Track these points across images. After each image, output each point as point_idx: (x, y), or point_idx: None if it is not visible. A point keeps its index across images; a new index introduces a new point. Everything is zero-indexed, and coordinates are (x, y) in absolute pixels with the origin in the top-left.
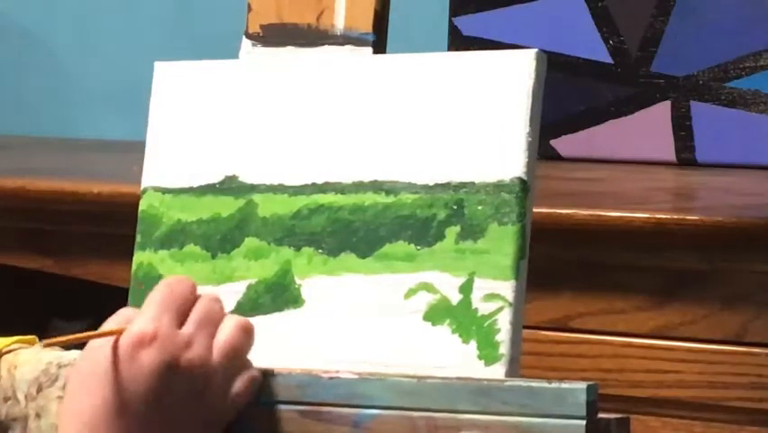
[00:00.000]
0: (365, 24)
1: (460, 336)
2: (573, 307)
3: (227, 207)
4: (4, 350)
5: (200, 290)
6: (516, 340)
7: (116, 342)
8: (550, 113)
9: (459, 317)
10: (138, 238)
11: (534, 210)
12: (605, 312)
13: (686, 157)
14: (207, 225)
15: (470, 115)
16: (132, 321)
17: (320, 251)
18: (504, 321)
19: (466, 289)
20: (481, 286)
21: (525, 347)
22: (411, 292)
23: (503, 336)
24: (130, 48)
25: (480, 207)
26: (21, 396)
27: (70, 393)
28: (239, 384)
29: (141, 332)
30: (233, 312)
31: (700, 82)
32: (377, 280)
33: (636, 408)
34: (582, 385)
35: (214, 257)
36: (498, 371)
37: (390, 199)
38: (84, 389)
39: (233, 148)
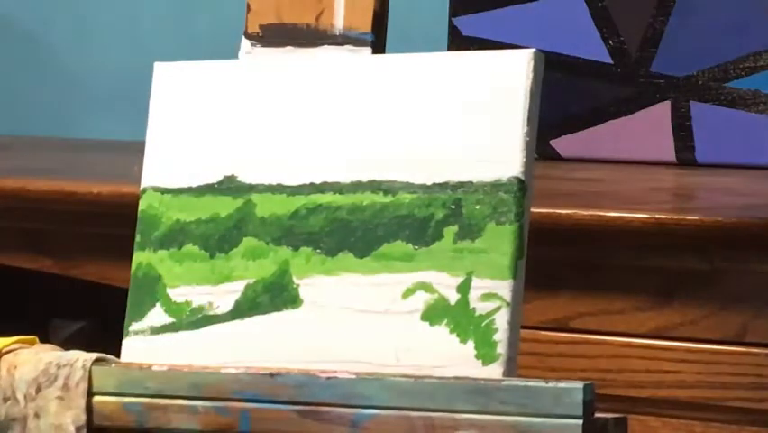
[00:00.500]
0: (364, 24)
1: (457, 335)
2: (573, 307)
3: (226, 206)
4: (4, 350)
5: (199, 289)
6: (513, 340)
7: None
8: (550, 113)
9: (457, 316)
10: (137, 238)
11: (534, 210)
12: (604, 312)
13: (686, 157)
14: (206, 225)
15: (467, 115)
16: None
17: (318, 251)
18: (502, 321)
19: (464, 288)
20: (479, 286)
21: (525, 347)
22: (409, 292)
23: (501, 335)
24: (130, 48)
25: (477, 207)
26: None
27: None
28: None
29: None
30: (231, 312)
31: (700, 82)
32: (375, 279)
33: (636, 408)
34: (579, 385)
35: (212, 257)
36: (495, 370)
37: (388, 199)
38: None
39: (231, 148)
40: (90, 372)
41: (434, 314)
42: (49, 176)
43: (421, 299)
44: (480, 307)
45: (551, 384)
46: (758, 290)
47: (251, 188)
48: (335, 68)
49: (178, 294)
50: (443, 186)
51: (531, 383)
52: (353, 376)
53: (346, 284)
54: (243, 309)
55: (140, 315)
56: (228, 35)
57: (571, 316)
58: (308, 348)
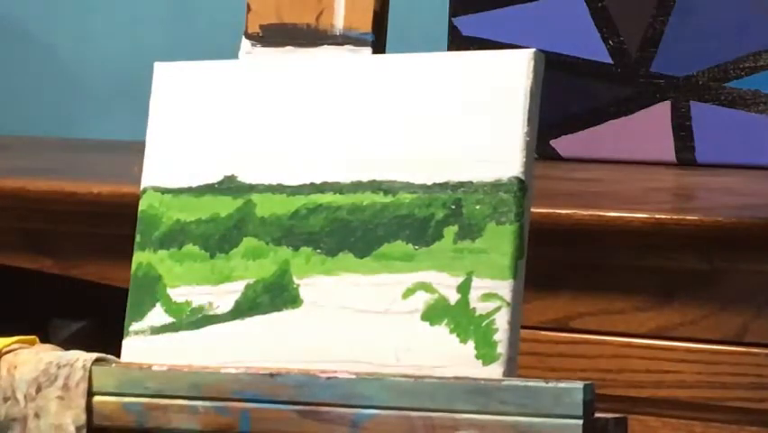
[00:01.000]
0: (364, 24)
1: (458, 335)
2: (573, 307)
3: (226, 206)
4: (4, 350)
5: (199, 289)
6: (513, 340)
7: None
8: (550, 113)
9: (457, 316)
10: (137, 238)
11: (534, 210)
12: (604, 312)
13: (686, 157)
14: (206, 224)
15: (467, 115)
16: None
17: (318, 251)
18: (502, 321)
19: (464, 288)
20: (479, 286)
21: (525, 348)
22: (409, 292)
23: (501, 335)
24: (130, 48)
25: (477, 207)
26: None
27: None
28: None
29: None
30: (231, 312)
31: (700, 82)
32: (375, 279)
33: (636, 408)
34: (579, 385)
35: (212, 257)
36: (495, 370)
37: (388, 199)
38: None
39: (232, 148)
40: (90, 372)
41: (434, 314)
42: (49, 176)
43: (421, 299)
44: (481, 307)
45: (551, 384)
46: (758, 290)
47: (252, 188)
48: (335, 68)
49: (178, 294)
50: (444, 186)
51: (531, 383)
52: (353, 376)
53: (346, 284)
54: (243, 309)
55: (140, 315)
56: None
57: (571, 316)
58: (308, 348)
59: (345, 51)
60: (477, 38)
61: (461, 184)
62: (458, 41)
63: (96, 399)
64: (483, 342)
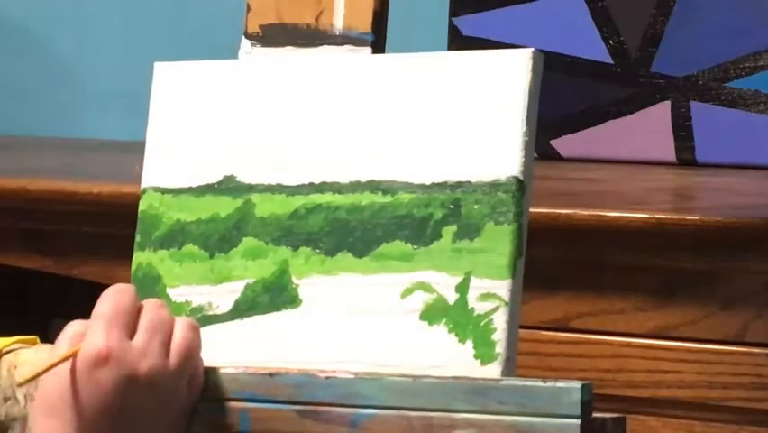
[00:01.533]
0: (364, 24)
1: (456, 335)
2: (573, 307)
3: (225, 206)
4: (4, 350)
5: (198, 289)
6: (512, 339)
7: (73, 364)
8: (550, 113)
9: (455, 316)
10: (137, 238)
11: (534, 210)
12: (605, 312)
13: (686, 157)
14: (206, 224)
15: (466, 115)
16: (84, 338)
17: (317, 250)
18: (500, 320)
19: (462, 288)
20: (478, 285)
21: (525, 347)
22: (408, 292)
23: (499, 335)
24: (130, 48)
25: (476, 207)
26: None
27: (37, 419)
28: (196, 382)
29: (94, 351)
30: (231, 312)
31: (700, 82)
32: (374, 279)
33: (636, 408)
34: (577, 384)
35: (212, 257)
36: (494, 370)
37: (387, 199)
38: (49, 412)
39: (231, 148)
40: None
41: (432, 314)
42: (49, 176)
43: (420, 299)
44: (479, 306)
45: (549, 384)
46: (758, 290)
47: (251, 188)
48: (335, 68)
49: (177, 294)
50: (442, 186)
51: (529, 383)
52: (352, 376)
53: (345, 284)
54: (243, 309)
55: None
56: (228, 35)
57: (571, 316)
58: (307, 348)
59: (345, 51)
60: (477, 38)
61: (460, 184)
62: (458, 41)
63: None
64: (482, 342)
